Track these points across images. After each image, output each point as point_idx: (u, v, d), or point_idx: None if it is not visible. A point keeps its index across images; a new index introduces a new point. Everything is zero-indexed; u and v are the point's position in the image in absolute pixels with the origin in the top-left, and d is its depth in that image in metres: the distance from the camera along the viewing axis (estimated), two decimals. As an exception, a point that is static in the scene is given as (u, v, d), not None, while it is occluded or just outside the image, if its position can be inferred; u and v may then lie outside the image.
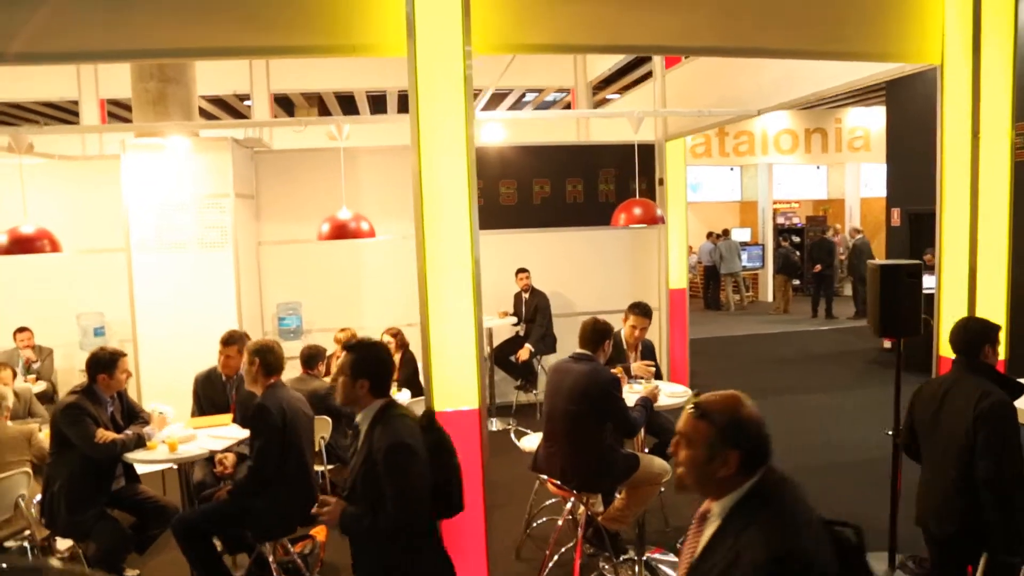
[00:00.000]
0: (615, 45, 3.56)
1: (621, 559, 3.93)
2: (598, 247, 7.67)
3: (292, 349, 6.90)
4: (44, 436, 4.30)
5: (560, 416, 3.59)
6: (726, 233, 14.16)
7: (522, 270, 7.18)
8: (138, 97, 6.32)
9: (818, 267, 12.30)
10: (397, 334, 5.87)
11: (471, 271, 3.25)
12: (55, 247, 4.66)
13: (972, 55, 3.67)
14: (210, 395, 4.17)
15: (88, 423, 3.46)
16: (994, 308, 3.89)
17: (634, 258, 7.78)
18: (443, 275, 3.24)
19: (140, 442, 3.56)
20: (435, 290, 3.24)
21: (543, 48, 3.38)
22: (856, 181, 15.33)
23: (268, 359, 3.43)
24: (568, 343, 7.38)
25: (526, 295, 7.16)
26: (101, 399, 3.66)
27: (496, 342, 7.22)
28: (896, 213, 9.41)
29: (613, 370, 3.84)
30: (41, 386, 6.14)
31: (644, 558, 3.91)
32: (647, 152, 7.75)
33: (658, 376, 4.67)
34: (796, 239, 14.58)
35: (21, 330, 6.52)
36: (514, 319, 7.15)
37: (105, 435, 3.46)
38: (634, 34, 3.43)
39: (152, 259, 6.13)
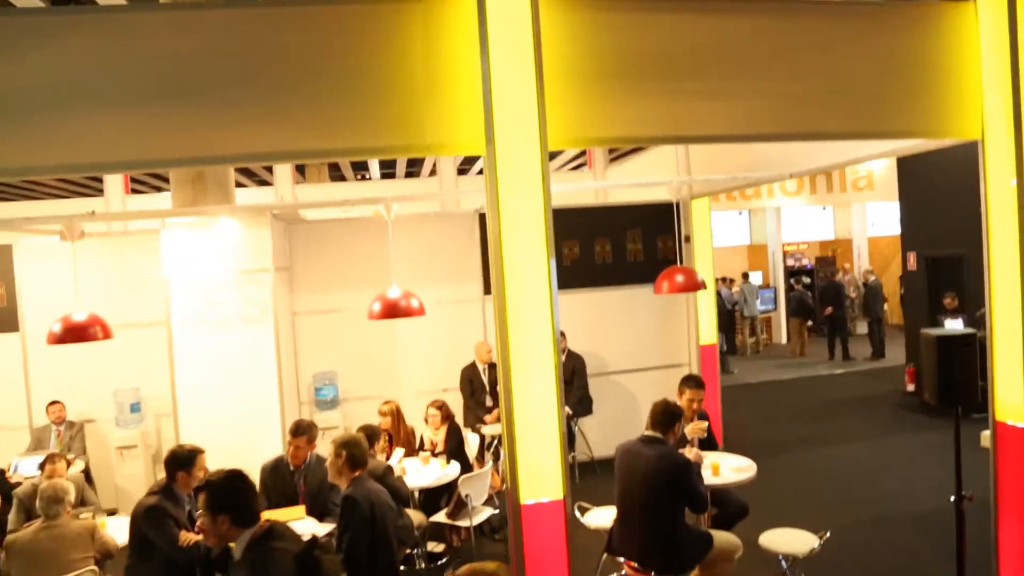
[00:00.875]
0: (682, 136, 3.67)
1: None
2: (628, 306, 7.75)
3: (329, 420, 6.97)
4: (102, 524, 4.31)
5: (636, 501, 3.62)
6: (745, 277, 14.27)
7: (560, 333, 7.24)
8: (175, 174, 6.42)
9: (829, 309, 12.39)
10: (442, 406, 5.89)
11: (553, 361, 3.30)
12: (107, 334, 4.70)
13: (1013, 128, 3.79)
14: (278, 485, 4.18)
15: (171, 525, 3.47)
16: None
17: (664, 315, 7.86)
18: (525, 365, 3.28)
19: None
20: (518, 379, 3.27)
21: (613, 141, 3.49)
22: (863, 220, 15.53)
23: (354, 453, 3.47)
24: (602, 404, 7.45)
25: (563, 357, 7.19)
26: (179, 498, 3.67)
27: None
28: (912, 257, 9.54)
29: (682, 450, 3.88)
30: (80, 465, 6.11)
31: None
32: (669, 210, 7.89)
33: (713, 446, 4.71)
34: (807, 280, 14.70)
35: (53, 403, 6.55)
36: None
37: (188, 537, 3.47)
38: (700, 125, 3.55)
39: (194, 335, 6.18)
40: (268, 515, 3.92)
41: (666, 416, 3.74)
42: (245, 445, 6.25)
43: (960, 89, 3.91)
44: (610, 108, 3.39)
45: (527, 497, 3.30)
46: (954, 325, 8.29)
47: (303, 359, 7.20)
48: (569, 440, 7.28)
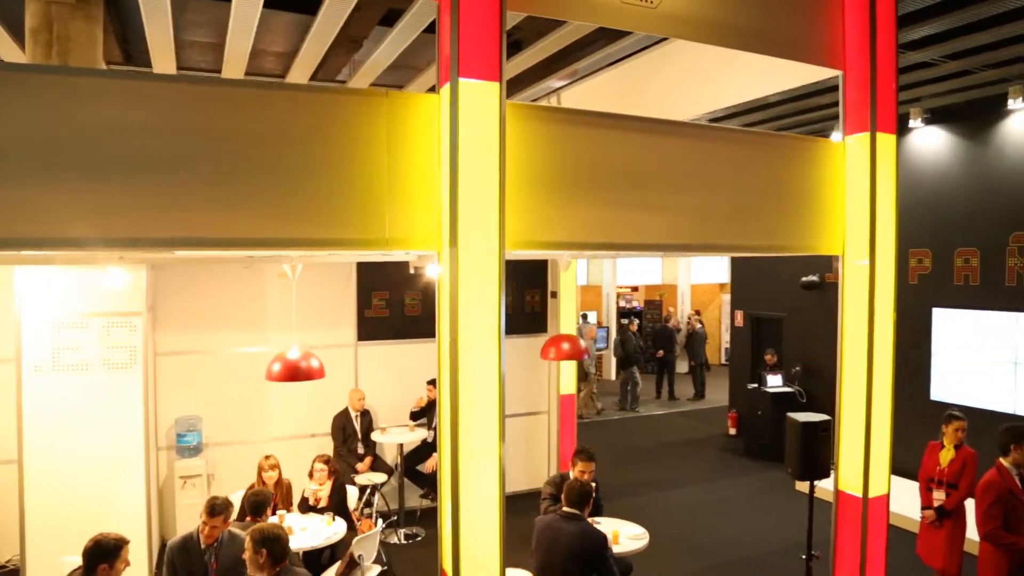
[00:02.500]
0: (611, 243, 4.02)
1: None
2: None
3: (191, 468, 6.61)
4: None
5: (557, 573, 3.90)
6: (584, 317, 15.14)
7: (432, 381, 7.39)
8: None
9: (661, 352, 13.55)
10: (328, 461, 5.83)
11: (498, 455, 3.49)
12: None
13: (869, 246, 4.53)
14: (187, 565, 3.97)
15: None
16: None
17: (528, 366, 8.25)
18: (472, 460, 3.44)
19: None
20: (467, 440, 3.40)
21: (551, 246, 3.77)
22: (687, 268, 17.14)
23: (275, 549, 3.42)
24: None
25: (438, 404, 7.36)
26: None
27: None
28: (740, 315, 10.76)
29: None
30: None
31: None
32: (540, 267, 8.35)
33: (600, 511, 5.11)
34: (636, 320, 15.90)
35: None
36: (421, 430, 7.32)
37: None
38: (627, 234, 3.93)
39: (47, 381, 5.63)
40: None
41: (581, 496, 4.07)
42: (106, 495, 5.83)
43: (829, 212, 4.62)
44: (550, 214, 3.66)
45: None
46: (774, 380, 9.48)
47: (163, 403, 6.76)
48: (436, 486, 7.43)
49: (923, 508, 5.00)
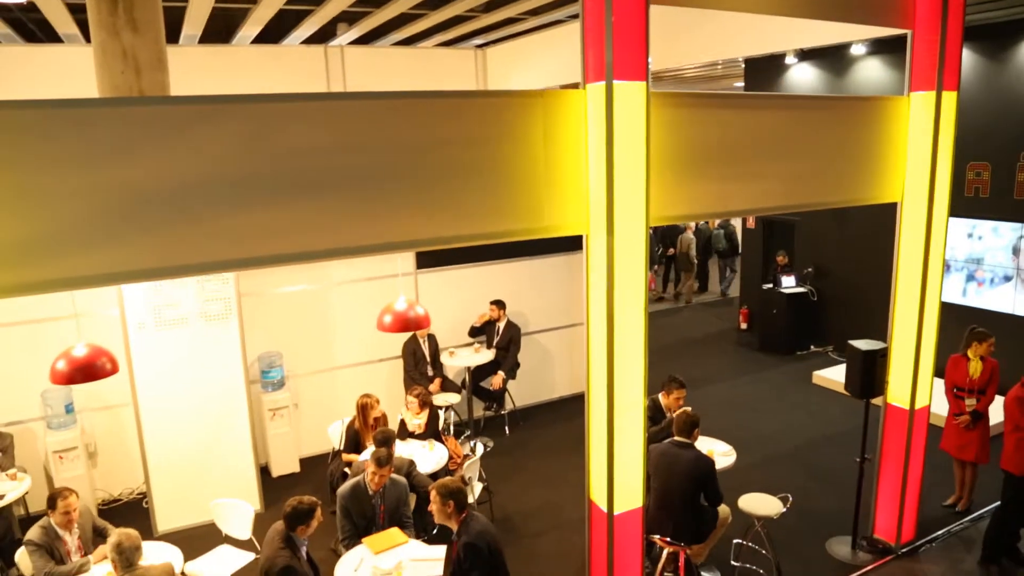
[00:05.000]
0: (720, 212, 4.49)
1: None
2: (540, 274, 8.62)
3: (278, 401, 7.15)
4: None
5: (676, 492, 4.63)
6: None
7: (496, 302, 7.94)
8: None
9: (671, 250, 14.21)
10: (420, 394, 6.35)
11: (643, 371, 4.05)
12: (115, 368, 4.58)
13: (928, 193, 5.07)
14: (359, 508, 4.57)
15: None
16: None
17: (569, 281, 8.80)
18: (624, 388, 3.99)
19: None
20: (620, 393, 3.98)
21: (677, 219, 4.23)
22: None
23: (459, 499, 4.00)
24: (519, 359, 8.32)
25: (500, 325, 7.95)
26: (299, 547, 4.00)
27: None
28: (751, 219, 11.36)
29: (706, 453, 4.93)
30: (28, 482, 5.78)
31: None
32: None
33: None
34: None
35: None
36: (487, 352, 7.91)
37: None
38: (733, 202, 4.41)
39: (151, 337, 6.01)
40: (371, 542, 4.38)
41: (689, 426, 4.73)
42: (215, 433, 6.39)
43: (891, 163, 5.10)
44: (673, 191, 4.09)
45: (621, 507, 4.13)
46: (788, 281, 10.24)
47: (248, 341, 7.17)
48: (501, 400, 8.14)
49: (955, 415, 5.82)
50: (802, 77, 10.19)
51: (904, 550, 5.58)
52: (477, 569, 3.89)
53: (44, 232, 2.77)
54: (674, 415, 5.19)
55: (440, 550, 4.24)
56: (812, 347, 10.37)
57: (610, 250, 3.79)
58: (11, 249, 2.71)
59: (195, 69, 8.18)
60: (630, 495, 4.16)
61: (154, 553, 4.62)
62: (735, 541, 5.39)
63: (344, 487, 4.63)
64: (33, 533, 4.47)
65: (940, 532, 5.81)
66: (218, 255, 3.13)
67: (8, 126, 2.67)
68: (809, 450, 7.42)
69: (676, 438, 4.77)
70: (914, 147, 5.08)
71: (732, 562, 5.32)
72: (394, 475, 4.74)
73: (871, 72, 9.27)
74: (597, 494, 4.20)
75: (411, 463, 5.41)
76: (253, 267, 3.31)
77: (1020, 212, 7.74)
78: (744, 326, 11.48)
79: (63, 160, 2.77)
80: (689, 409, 5.20)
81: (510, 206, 3.74)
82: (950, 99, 4.98)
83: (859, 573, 5.36)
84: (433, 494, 4.05)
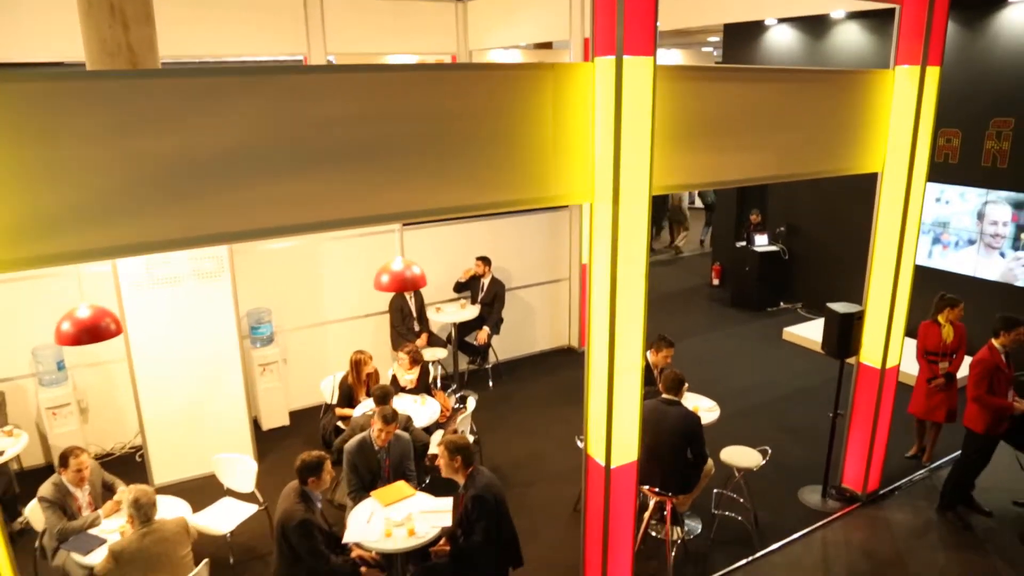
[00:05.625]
0: (717, 181, 4.65)
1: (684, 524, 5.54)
2: (521, 231, 8.76)
3: (267, 356, 7.26)
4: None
5: (665, 446, 4.90)
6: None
7: (482, 258, 8.07)
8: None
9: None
10: (411, 351, 6.51)
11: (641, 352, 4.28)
12: (119, 329, 4.66)
13: (908, 164, 5.30)
14: (365, 463, 4.75)
15: (319, 541, 4.01)
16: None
17: (551, 238, 9.00)
18: (625, 353, 4.19)
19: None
20: (620, 354, 4.18)
21: (675, 188, 4.38)
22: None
23: (467, 455, 4.21)
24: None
25: (485, 281, 8.10)
26: (314, 500, 4.17)
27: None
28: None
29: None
30: (25, 438, 5.83)
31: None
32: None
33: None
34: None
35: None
36: (472, 308, 8.08)
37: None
38: (728, 172, 4.57)
39: (145, 294, 6.04)
40: (380, 495, 4.58)
41: (676, 384, 5.00)
42: (208, 387, 6.51)
43: (873, 134, 5.31)
44: (672, 162, 4.23)
45: (618, 461, 4.37)
46: (761, 240, 10.54)
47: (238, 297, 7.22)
48: (485, 355, 8.35)
49: (929, 380, 6.18)
50: (781, 39, 10.31)
51: (870, 498, 5.99)
52: (484, 519, 4.12)
53: (77, 203, 2.82)
54: (662, 374, 5.45)
55: (446, 502, 4.46)
56: (782, 304, 10.75)
57: (615, 218, 3.94)
58: (47, 220, 2.77)
59: (175, 22, 7.97)
60: (626, 450, 4.40)
61: (162, 506, 4.76)
62: (715, 491, 5.72)
63: (351, 443, 4.80)
64: (45, 490, 4.57)
65: (902, 481, 6.24)
66: (245, 224, 3.20)
67: (42, 98, 2.69)
68: (780, 404, 7.81)
69: (664, 395, 5.02)
70: (896, 119, 5.29)
71: (713, 510, 5.66)
72: (400, 432, 4.92)
73: (849, 36, 9.44)
74: (595, 449, 4.43)
75: (408, 418, 5.60)
76: (278, 236, 3.38)
77: (987, 179, 8.07)
78: (716, 282, 11.81)
79: (95, 132, 2.80)
80: (668, 361, 5.49)
81: (520, 176, 3.85)
82: (933, 74, 5.18)
83: (829, 519, 5.75)
84: (441, 450, 4.24)
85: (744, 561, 5.26)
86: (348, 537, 4.22)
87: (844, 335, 5.53)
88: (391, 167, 3.48)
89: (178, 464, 6.44)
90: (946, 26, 5.16)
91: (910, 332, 5.93)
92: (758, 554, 5.34)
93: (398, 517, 4.31)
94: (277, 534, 4.08)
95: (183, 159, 2.98)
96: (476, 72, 3.72)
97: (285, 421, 7.50)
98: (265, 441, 7.11)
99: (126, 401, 6.55)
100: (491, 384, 8.34)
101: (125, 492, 4.36)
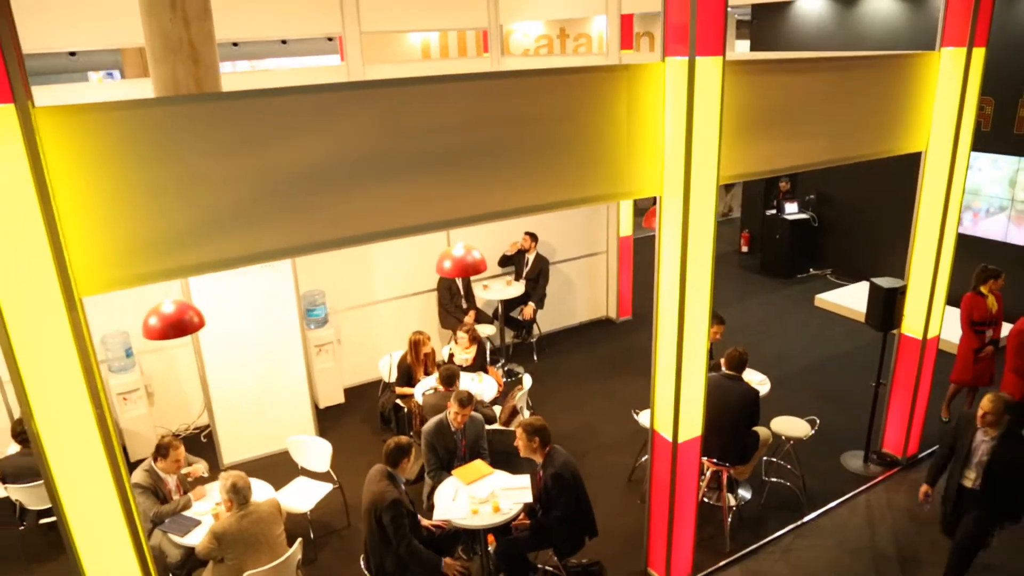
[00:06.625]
0: (775, 169, 4.83)
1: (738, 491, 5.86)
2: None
3: (322, 338, 7.52)
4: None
5: (728, 419, 5.18)
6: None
7: (530, 233, 8.29)
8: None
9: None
10: (469, 330, 6.78)
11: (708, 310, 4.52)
12: (202, 322, 4.92)
13: (952, 143, 5.46)
14: (444, 443, 5.05)
15: (406, 525, 4.25)
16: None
17: (588, 213, 9.17)
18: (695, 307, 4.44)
19: None
20: (688, 342, 4.43)
21: (737, 177, 4.56)
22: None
23: (544, 435, 4.49)
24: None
25: (530, 256, 8.34)
26: (400, 482, 4.48)
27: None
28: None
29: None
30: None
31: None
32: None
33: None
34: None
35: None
36: (518, 285, 8.32)
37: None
38: (787, 160, 4.76)
39: (210, 279, 6.27)
40: (459, 473, 4.87)
41: (739, 362, 5.26)
42: (273, 373, 6.79)
43: (918, 115, 5.46)
44: (734, 153, 4.41)
45: (682, 437, 4.65)
46: (791, 208, 10.69)
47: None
48: (530, 329, 8.62)
49: (978, 351, 6.41)
50: (811, 7, 10.33)
51: (909, 462, 6.28)
52: (564, 495, 4.42)
53: (211, 216, 3.06)
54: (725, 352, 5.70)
55: (523, 479, 4.76)
56: (811, 270, 10.94)
57: (686, 210, 4.15)
58: (187, 233, 3.01)
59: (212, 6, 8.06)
60: (691, 425, 4.68)
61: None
62: (764, 459, 6.02)
63: (428, 425, 5.09)
64: (139, 476, 4.88)
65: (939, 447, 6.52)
66: (349, 231, 3.44)
67: (176, 120, 2.91)
68: (817, 371, 8.07)
69: (727, 371, 5.29)
70: (941, 100, 5.43)
71: (763, 478, 5.97)
72: (474, 414, 5.20)
73: (880, 4, 9.46)
74: (662, 425, 4.70)
75: (472, 397, 5.87)
76: (375, 241, 3.61)
77: (1019, 146, 8.19)
78: (745, 249, 11.99)
79: (224, 148, 3.03)
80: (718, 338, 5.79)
81: (598, 173, 4.05)
82: (979, 55, 5.31)
83: (871, 483, 6.05)
84: (519, 431, 4.52)
85: (794, 525, 5.58)
86: (437, 515, 4.53)
87: (888, 309, 5.76)
88: (482, 169, 3.69)
89: (246, 444, 6.77)
90: (993, 7, 5.25)
91: (951, 302, 6.15)
92: (807, 518, 5.65)
93: (482, 494, 4.61)
94: (368, 515, 4.35)
95: (299, 172, 3.21)
96: (556, 77, 3.87)
97: (341, 399, 7.80)
98: (323, 419, 7.42)
99: (190, 384, 6.85)
100: (535, 357, 8.61)
101: (221, 477, 4.66)
